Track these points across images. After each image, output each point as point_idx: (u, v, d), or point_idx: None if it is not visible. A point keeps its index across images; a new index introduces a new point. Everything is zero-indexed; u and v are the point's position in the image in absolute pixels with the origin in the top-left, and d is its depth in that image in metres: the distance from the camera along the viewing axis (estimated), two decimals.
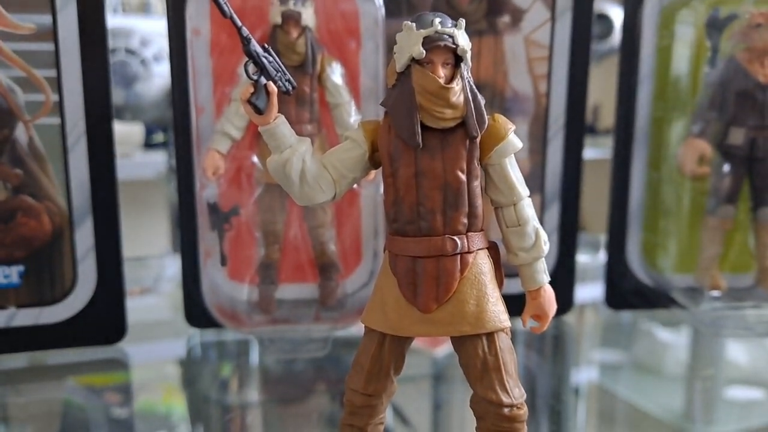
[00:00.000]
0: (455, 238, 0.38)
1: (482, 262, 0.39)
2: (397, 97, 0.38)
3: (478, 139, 0.38)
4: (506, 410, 0.38)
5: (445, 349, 0.72)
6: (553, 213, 0.75)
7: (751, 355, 0.71)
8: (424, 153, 0.38)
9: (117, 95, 1.84)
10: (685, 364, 0.75)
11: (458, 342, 0.39)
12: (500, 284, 0.41)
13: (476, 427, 0.40)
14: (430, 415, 0.64)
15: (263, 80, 0.39)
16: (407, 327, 0.39)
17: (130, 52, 1.52)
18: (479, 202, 0.39)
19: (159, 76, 1.49)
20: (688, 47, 0.72)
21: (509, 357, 0.39)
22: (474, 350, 0.39)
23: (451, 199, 0.38)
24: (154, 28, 1.52)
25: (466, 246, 0.38)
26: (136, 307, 0.75)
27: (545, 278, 0.41)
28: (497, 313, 0.39)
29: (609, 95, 0.95)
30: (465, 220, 0.38)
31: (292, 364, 0.70)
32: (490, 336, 0.39)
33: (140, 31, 1.53)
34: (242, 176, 0.65)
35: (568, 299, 0.77)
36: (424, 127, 0.38)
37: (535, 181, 0.74)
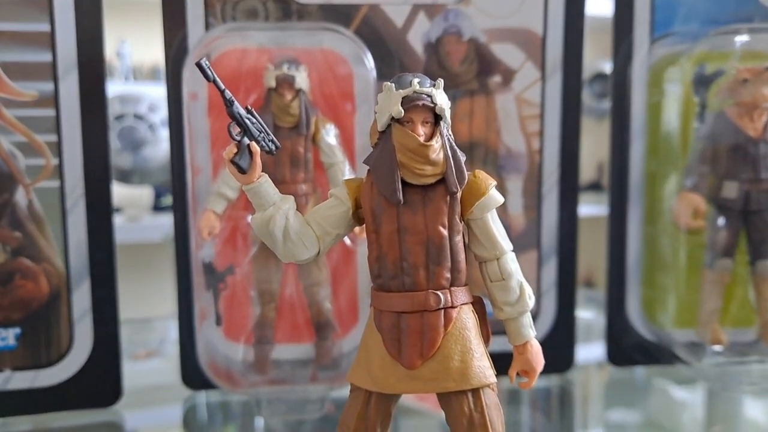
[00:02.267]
0: (438, 292, 0.38)
1: (466, 317, 0.39)
2: (379, 156, 0.39)
3: (458, 195, 0.39)
4: None
5: None
6: (551, 269, 0.75)
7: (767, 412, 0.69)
8: (405, 209, 0.38)
9: (125, 159, 1.87)
10: (701, 422, 0.73)
11: (444, 399, 0.39)
12: (486, 340, 0.40)
13: None
14: None
15: (246, 141, 0.40)
16: (392, 384, 0.39)
17: (138, 117, 1.56)
18: (462, 257, 0.39)
19: (167, 140, 1.53)
20: (677, 103, 0.73)
21: (496, 414, 0.39)
22: (459, 407, 0.38)
23: (434, 254, 0.38)
24: (163, 94, 1.56)
25: (450, 300, 0.39)
26: (139, 371, 0.75)
27: (531, 333, 0.41)
28: (482, 368, 0.39)
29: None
30: (448, 275, 0.39)
31: (289, 426, 0.69)
32: (476, 392, 0.38)
33: (149, 97, 1.58)
34: (238, 236, 0.66)
35: (569, 357, 0.76)
36: (405, 183, 0.38)
37: (531, 237, 0.74)
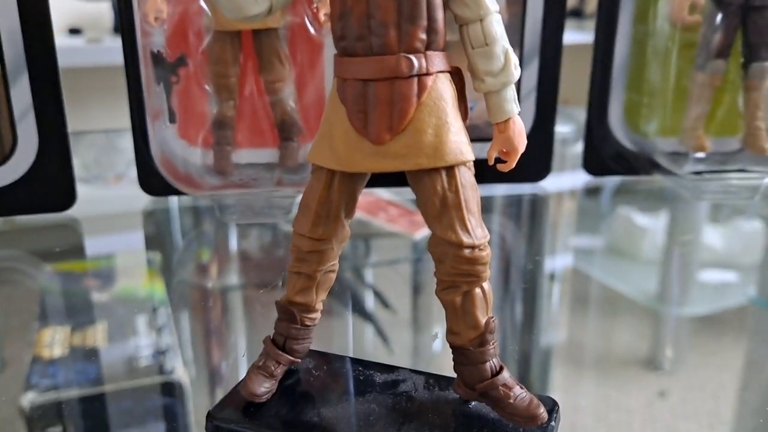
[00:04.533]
0: (411, 56, 0.33)
1: (443, 87, 0.34)
2: None
3: None
4: (467, 251, 0.34)
5: (424, 231, 0.68)
6: (532, 71, 0.70)
7: (725, 238, 0.68)
8: None
9: None
10: (660, 248, 0.72)
11: (415, 177, 0.35)
12: (464, 116, 0.36)
13: (435, 272, 0.36)
14: (411, 298, 0.61)
15: None
16: (358, 162, 0.35)
17: None
18: (440, 14, 0.33)
19: None
20: None
21: (471, 194, 0.35)
22: (432, 186, 0.34)
23: (407, 10, 0.33)
24: None
25: (425, 66, 0.33)
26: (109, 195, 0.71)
27: (515, 108, 0.36)
28: (459, 144, 0.34)
29: None
30: (423, 36, 0.33)
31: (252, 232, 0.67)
32: (450, 170, 0.34)
33: None
34: (188, 23, 0.59)
35: (545, 165, 0.73)
36: None
37: (513, 35, 0.68)
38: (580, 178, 0.77)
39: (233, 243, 0.68)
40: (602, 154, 0.74)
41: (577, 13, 2.74)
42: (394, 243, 0.67)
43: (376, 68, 0.33)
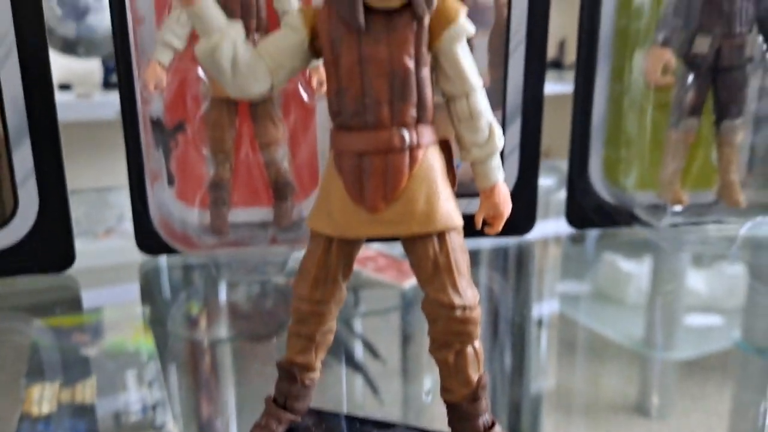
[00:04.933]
0: (403, 131, 0.36)
1: (432, 158, 0.37)
2: None
3: (426, 21, 0.35)
4: (458, 312, 0.36)
5: (412, 281, 0.70)
6: (515, 130, 0.73)
7: (708, 282, 0.71)
8: (368, 38, 0.35)
9: (68, 28, 1.75)
10: (645, 293, 0.75)
11: (408, 243, 0.37)
12: (453, 183, 0.38)
13: (428, 331, 0.38)
14: (400, 348, 0.63)
15: None
16: (355, 228, 0.37)
17: None
18: (429, 92, 0.36)
19: None
20: None
21: (461, 257, 0.37)
22: (424, 251, 0.37)
23: (399, 89, 0.35)
24: None
25: (416, 140, 0.36)
26: (98, 248, 0.73)
27: (500, 175, 0.39)
28: (449, 210, 0.37)
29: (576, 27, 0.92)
30: (414, 112, 0.36)
31: (248, 289, 0.68)
32: (441, 235, 0.37)
33: None
34: (187, 90, 0.61)
35: (530, 220, 0.75)
36: (367, 9, 0.35)
37: (496, 96, 0.71)
38: (564, 226, 0.79)
39: (228, 299, 0.69)
40: (584, 207, 0.77)
41: (557, 64, 2.81)
42: (382, 293, 0.69)
43: (370, 142, 0.36)
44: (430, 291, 0.37)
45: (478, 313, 0.37)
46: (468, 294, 0.37)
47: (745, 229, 0.72)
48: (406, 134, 0.36)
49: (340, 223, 0.37)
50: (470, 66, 0.37)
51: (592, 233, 0.82)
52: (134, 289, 0.73)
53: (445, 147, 0.38)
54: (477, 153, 0.38)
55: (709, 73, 0.68)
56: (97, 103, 2.01)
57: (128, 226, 0.93)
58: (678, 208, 0.71)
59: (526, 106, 0.72)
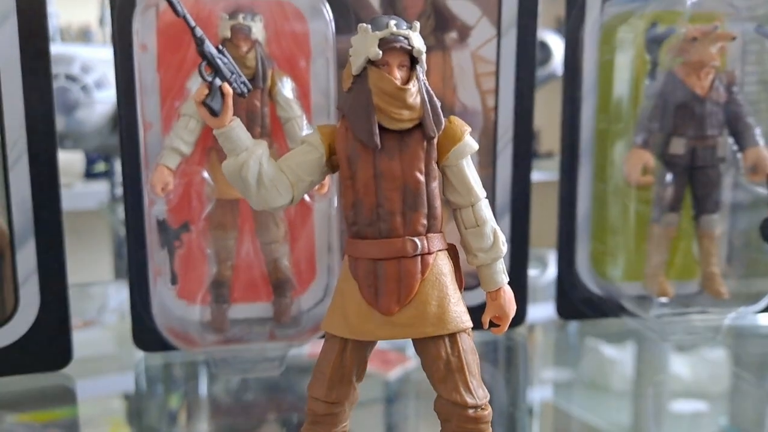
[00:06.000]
0: (415, 239, 0.38)
1: (442, 263, 0.39)
2: (354, 100, 0.38)
3: (435, 140, 0.38)
4: (471, 411, 0.38)
5: (397, 371, 0.71)
6: (504, 225, 0.76)
7: (693, 368, 0.72)
8: (382, 154, 0.38)
9: (58, 122, 1.78)
10: (631, 380, 0.76)
11: (421, 344, 0.39)
12: (460, 286, 0.41)
13: (441, 430, 0.39)
14: None
15: (218, 82, 0.38)
16: (370, 331, 0.39)
17: (70, 78, 1.48)
18: (438, 203, 0.39)
19: (101, 102, 1.46)
20: (628, 62, 0.75)
21: (472, 358, 0.39)
22: (437, 352, 0.39)
23: (411, 200, 0.38)
24: (96, 54, 1.50)
25: (426, 247, 0.38)
26: (81, 339, 0.72)
27: (504, 279, 0.41)
28: (459, 313, 0.39)
29: (549, 119, 0.98)
30: (425, 221, 0.38)
31: (246, 386, 0.68)
32: (453, 337, 0.39)
33: (81, 57, 1.50)
34: (192, 192, 0.64)
35: (521, 312, 0.77)
36: (381, 128, 0.38)
37: (487, 192, 0.74)
38: (552, 312, 0.81)
39: (226, 395, 0.69)
40: (573, 300, 0.79)
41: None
42: (366, 383, 0.69)
43: (384, 249, 0.38)
44: (443, 391, 0.39)
45: (489, 412, 0.39)
46: (479, 393, 0.39)
47: (729, 319, 0.74)
48: (417, 242, 0.38)
49: (355, 325, 0.39)
50: (475, 179, 0.40)
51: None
52: (117, 382, 0.73)
53: (452, 252, 0.41)
54: (483, 258, 0.40)
55: (685, 171, 0.72)
56: (78, 194, 2.03)
57: (109, 317, 0.94)
58: (664, 299, 0.74)
59: (514, 201, 0.76)
